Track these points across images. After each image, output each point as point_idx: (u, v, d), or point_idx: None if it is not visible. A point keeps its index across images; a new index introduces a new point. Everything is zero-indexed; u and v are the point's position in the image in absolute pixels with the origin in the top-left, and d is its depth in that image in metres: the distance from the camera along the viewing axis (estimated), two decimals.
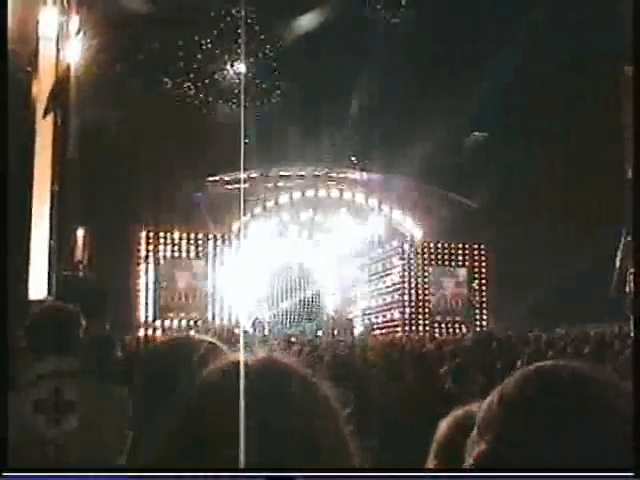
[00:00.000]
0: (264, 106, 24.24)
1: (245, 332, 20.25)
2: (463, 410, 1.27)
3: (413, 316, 23.05)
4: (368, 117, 23.89)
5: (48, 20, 13.75)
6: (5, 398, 2.28)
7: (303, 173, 24.25)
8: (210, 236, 22.23)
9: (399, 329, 22.76)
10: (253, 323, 22.66)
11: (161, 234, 21.78)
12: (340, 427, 0.96)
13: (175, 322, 21.20)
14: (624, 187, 13.12)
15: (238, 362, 0.94)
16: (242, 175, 22.37)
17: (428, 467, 1.12)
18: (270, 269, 25.52)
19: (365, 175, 24.71)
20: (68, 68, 13.99)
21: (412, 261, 23.44)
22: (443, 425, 1.31)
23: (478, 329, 21.93)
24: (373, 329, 24.07)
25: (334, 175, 24.57)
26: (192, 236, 22.15)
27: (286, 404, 0.91)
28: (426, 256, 23.56)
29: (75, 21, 14.74)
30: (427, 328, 22.61)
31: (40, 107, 13.45)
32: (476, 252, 23.67)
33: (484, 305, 23.41)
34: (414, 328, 22.62)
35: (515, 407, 0.87)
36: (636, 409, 0.74)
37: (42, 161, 13.63)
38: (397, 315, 23.49)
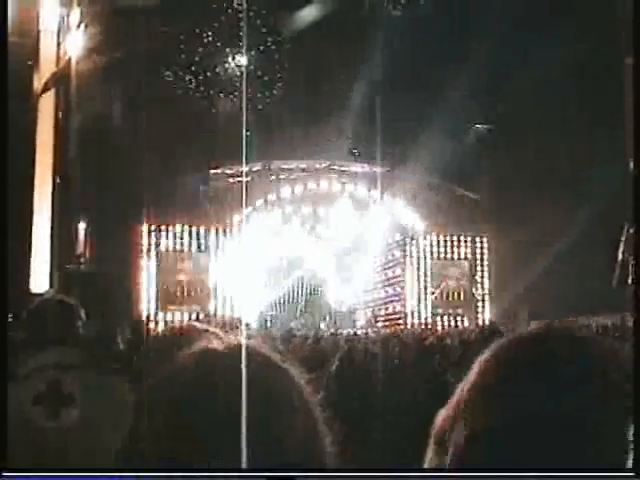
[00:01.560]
0: (266, 99, 24.20)
1: (247, 325, 20.26)
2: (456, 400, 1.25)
3: (415, 309, 23.08)
4: (370, 109, 23.84)
5: (49, 13, 13.74)
6: (5, 397, 2.28)
7: (305, 166, 24.24)
8: (212, 229, 22.23)
9: (401, 322, 22.79)
10: (255, 316, 22.70)
11: (163, 227, 21.78)
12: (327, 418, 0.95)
13: (177, 315, 21.22)
14: (627, 179, 13.10)
15: (238, 354, 0.93)
16: (244, 168, 22.37)
17: (426, 460, 1.10)
18: (272, 262, 25.54)
19: (367, 168, 24.69)
20: (69, 61, 13.99)
21: (414, 254, 23.45)
22: (439, 416, 1.30)
23: (480, 321, 21.95)
24: (375, 321, 24.10)
25: (336, 168, 24.56)
26: (194, 229, 22.14)
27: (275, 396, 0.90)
28: (428, 248, 23.57)
29: (76, 14, 14.72)
30: (429, 321, 22.64)
31: (42, 100, 13.45)
32: (478, 244, 23.68)
33: (486, 298, 23.43)
34: (416, 321, 22.65)
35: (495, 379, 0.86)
36: (636, 408, 0.73)
37: (44, 155, 13.64)
38: (399, 308, 23.51)
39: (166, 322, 20.28)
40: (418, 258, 23.43)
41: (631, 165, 13.06)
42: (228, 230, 22.38)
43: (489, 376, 0.88)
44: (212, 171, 23.06)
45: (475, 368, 0.91)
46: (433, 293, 23.24)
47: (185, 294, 21.88)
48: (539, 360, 0.85)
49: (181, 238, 22.05)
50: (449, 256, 23.70)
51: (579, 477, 0.76)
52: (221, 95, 24.06)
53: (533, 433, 0.79)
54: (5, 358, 2.63)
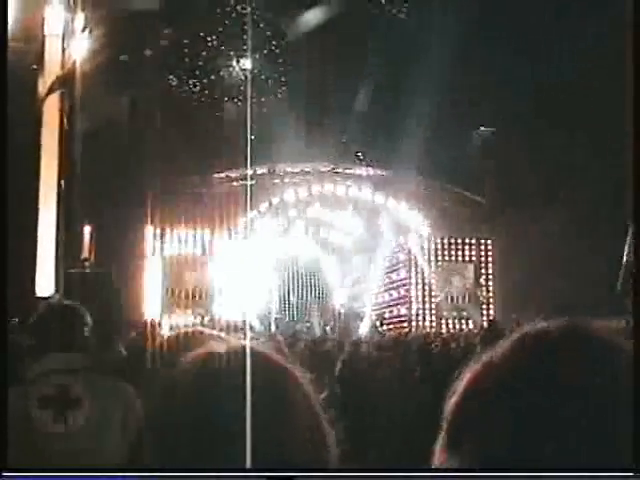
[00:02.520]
0: (270, 102, 24.22)
1: (252, 328, 20.25)
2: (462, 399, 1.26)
3: (420, 312, 23.04)
4: (374, 112, 23.86)
5: (54, 18, 13.77)
6: (5, 398, 2.29)
7: (309, 169, 24.23)
8: (216, 232, 22.23)
9: (406, 325, 22.75)
10: (260, 319, 22.68)
11: (167, 230, 21.80)
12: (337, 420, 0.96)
13: (182, 319, 21.21)
14: (629, 180, 13.11)
15: (242, 357, 0.94)
16: (249, 171, 22.37)
17: (434, 460, 1.11)
18: (277, 265, 25.55)
19: (371, 171, 24.68)
20: (74, 65, 14.02)
21: (419, 257, 23.41)
22: (445, 416, 1.30)
23: (485, 324, 21.89)
24: (380, 324, 24.07)
25: (340, 171, 24.53)
26: (198, 232, 22.15)
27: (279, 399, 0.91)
28: (433, 252, 23.52)
29: (81, 18, 14.76)
30: (434, 324, 22.60)
31: (47, 105, 13.48)
32: (483, 247, 23.63)
33: (491, 300, 23.37)
34: (421, 324, 22.61)
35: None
36: (636, 408, 0.73)
37: (48, 159, 13.67)
38: (404, 311, 23.47)
39: (171, 326, 20.28)
40: (423, 261, 23.39)
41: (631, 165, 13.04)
42: (233, 233, 22.38)
43: (495, 377, 0.88)
44: (216, 175, 23.08)
45: (480, 369, 0.92)
46: (438, 296, 23.20)
47: (190, 297, 21.89)
48: (549, 357, 0.85)
49: (185, 241, 22.06)
50: (454, 259, 23.65)
51: (579, 477, 0.76)
52: (225, 99, 24.10)
53: (541, 432, 0.79)
54: (5, 360, 2.64)
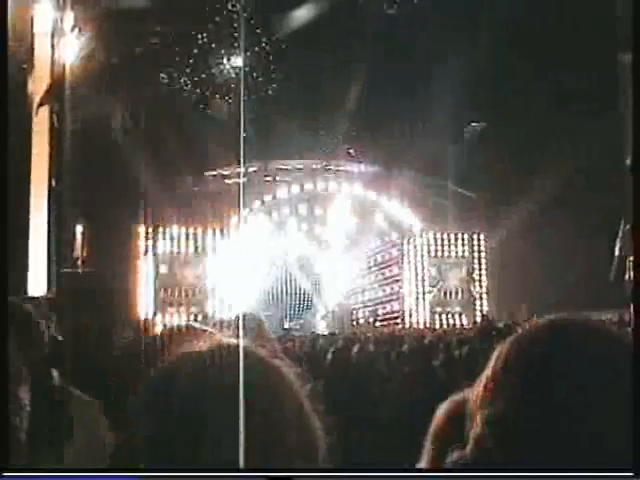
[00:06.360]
0: (261, 100, 24.19)
1: (244, 326, 20.22)
2: (459, 397, 1.25)
3: (413, 307, 23.06)
4: (365, 109, 23.85)
5: (43, 16, 13.71)
6: (5, 398, 2.28)
7: (301, 166, 24.23)
8: (209, 230, 22.21)
9: (399, 321, 22.78)
10: (253, 317, 22.68)
11: (160, 229, 21.76)
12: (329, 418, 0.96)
13: (175, 317, 21.19)
14: (624, 175, 13.14)
15: (235, 355, 0.93)
16: (241, 169, 22.36)
17: (424, 457, 1.10)
18: (269, 263, 25.54)
19: (363, 167, 24.69)
20: (63, 64, 13.96)
21: (411, 252, 23.43)
22: (439, 413, 1.30)
23: (478, 319, 21.94)
24: (373, 321, 24.09)
25: (332, 168, 24.55)
26: (191, 231, 22.13)
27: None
28: (425, 247, 23.54)
29: (70, 17, 14.69)
30: (427, 319, 22.63)
31: (37, 104, 13.43)
32: (475, 242, 23.66)
33: (484, 295, 23.42)
34: (414, 319, 22.63)
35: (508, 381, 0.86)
36: (636, 408, 0.73)
37: (40, 158, 13.62)
38: (397, 307, 23.49)
39: (164, 324, 20.23)
40: (415, 257, 23.40)
41: (628, 162, 13.08)
42: (225, 231, 22.36)
43: (501, 372, 0.88)
44: (209, 172, 23.06)
45: (488, 364, 0.92)
46: (431, 292, 23.22)
47: (183, 296, 21.86)
48: (553, 354, 0.84)
49: (178, 240, 22.03)
50: (446, 254, 23.67)
51: (579, 477, 0.76)
52: (217, 96, 24.05)
53: (541, 428, 0.79)
54: (6, 360, 2.63)
